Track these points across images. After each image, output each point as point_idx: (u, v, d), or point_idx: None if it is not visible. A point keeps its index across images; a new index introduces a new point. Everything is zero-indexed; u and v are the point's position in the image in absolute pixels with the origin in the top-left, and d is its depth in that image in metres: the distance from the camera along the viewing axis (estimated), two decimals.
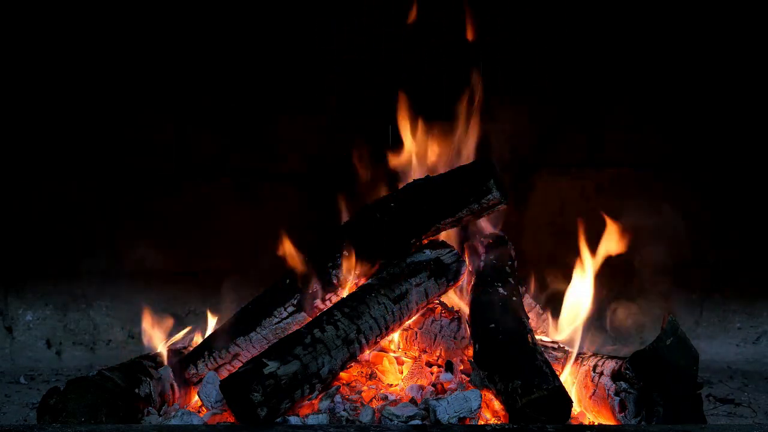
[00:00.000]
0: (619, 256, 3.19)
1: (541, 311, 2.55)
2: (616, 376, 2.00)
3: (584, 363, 2.16)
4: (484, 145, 2.62)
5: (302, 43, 3.14)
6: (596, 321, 3.22)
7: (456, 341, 2.32)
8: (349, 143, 2.74)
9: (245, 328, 2.30)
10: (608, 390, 2.00)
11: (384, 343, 2.34)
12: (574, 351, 2.23)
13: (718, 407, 2.56)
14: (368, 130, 2.77)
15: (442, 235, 2.44)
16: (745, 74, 3.17)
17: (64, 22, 3.09)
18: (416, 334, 2.38)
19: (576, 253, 2.58)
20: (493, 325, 2.12)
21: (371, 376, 2.26)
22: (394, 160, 2.61)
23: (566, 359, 2.22)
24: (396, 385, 2.26)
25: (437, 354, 2.35)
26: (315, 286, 2.32)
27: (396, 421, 1.95)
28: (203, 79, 3.15)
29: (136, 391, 2.07)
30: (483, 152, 2.57)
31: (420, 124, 2.62)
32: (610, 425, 1.99)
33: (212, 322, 2.46)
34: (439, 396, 2.09)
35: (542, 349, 2.11)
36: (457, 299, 2.48)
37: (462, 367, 2.28)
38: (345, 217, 2.52)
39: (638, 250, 3.20)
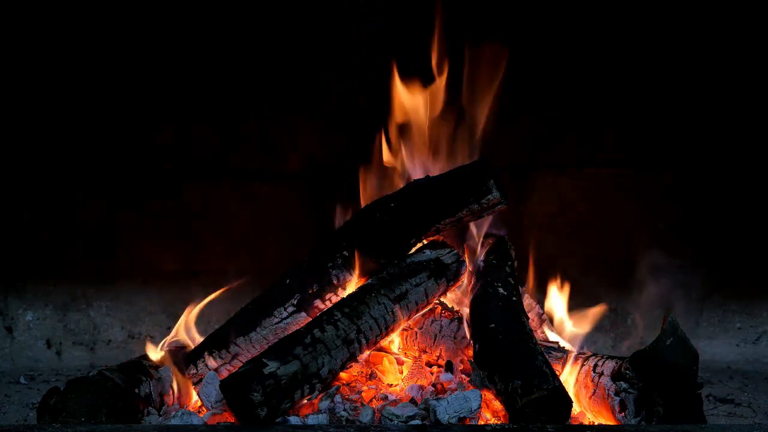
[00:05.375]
0: (619, 256, 3.21)
1: (541, 311, 2.55)
2: (616, 376, 2.00)
3: (584, 363, 2.16)
4: (484, 145, 2.62)
5: (302, 43, 3.14)
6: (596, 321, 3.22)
7: (456, 341, 2.32)
8: (349, 143, 2.75)
9: (245, 328, 2.30)
10: (608, 390, 2.00)
11: (384, 343, 2.34)
12: (574, 351, 2.23)
13: (718, 407, 2.56)
14: (368, 129, 2.76)
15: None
16: (746, 75, 3.17)
17: (64, 24, 3.08)
18: (416, 334, 2.38)
19: (575, 253, 2.60)
20: (493, 325, 2.12)
21: (371, 376, 2.26)
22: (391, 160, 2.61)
23: (566, 359, 2.22)
24: (396, 385, 2.26)
25: (437, 354, 2.35)
26: (315, 286, 2.32)
27: (396, 421, 1.95)
28: (203, 80, 3.15)
29: (136, 391, 2.07)
30: (483, 152, 2.57)
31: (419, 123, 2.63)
32: (610, 425, 1.99)
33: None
34: (439, 396, 2.09)
35: (542, 349, 2.11)
36: (457, 299, 2.48)
37: (462, 367, 2.28)
38: (345, 217, 2.53)
39: (638, 249, 3.21)
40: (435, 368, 2.33)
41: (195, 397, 2.24)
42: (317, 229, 3.11)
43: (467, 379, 2.20)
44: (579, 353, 2.23)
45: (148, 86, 3.14)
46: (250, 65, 3.15)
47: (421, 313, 2.34)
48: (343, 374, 2.19)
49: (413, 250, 2.37)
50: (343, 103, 3.15)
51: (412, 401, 2.07)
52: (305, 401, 2.02)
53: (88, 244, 3.20)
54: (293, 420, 1.95)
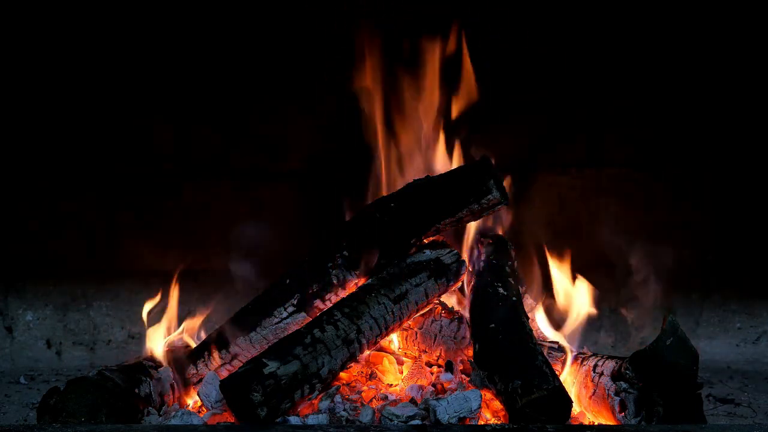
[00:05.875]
0: (619, 255, 3.21)
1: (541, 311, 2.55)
2: (616, 376, 2.00)
3: (584, 363, 2.16)
4: (483, 146, 2.62)
5: (303, 43, 3.14)
6: (596, 321, 3.22)
7: (456, 341, 2.32)
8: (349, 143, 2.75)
9: (245, 328, 2.30)
10: (608, 390, 2.00)
11: (384, 343, 2.34)
12: (574, 351, 2.23)
13: (718, 407, 2.56)
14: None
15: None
16: (746, 74, 3.17)
17: (65, 25, 3.08)
18: (416, 334, 2.38)
19: (576, 254, 2.60)
20: (493, 325, 2.12)
21: (371, 376, 2.26)
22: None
23: (566, 359, 2.22)
24: (396, 385, 2.26)
25: (437, 354, 2.35)
26: (315, 286, 2.32)
27: (396, 421, 1.95)
28: (203, 80, 3.15)
29: (136, 391, 2.07)
30: (483, 152, 2.57)
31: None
32: (610, 425, 1.99)
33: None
34: (439, 396, 2.09)
35: (542, 349, 2.11)
36: (457, 299, 2.48)
37: (462, 367, 2.28)
38: (345, 216, 2.53)
39: (638, 249, 3.21)
40: (435, 368, 2.33)
41: (195, 397, 2.24)
42: (317, 229, 3.11)
43: (467, 379, 2.20)
44: (579, 353, 2.23)
45: (148, 86, 3.14)
46: (251, 65, 3.15)
47: (421, 313, 2.34)
48: (343, 374, 2.19)
49: (413, 250, 2.37)
50: (342, 103, 3.15)
51: (412, 401, 2.07)
52: (305, 401, 2.02)
53: (88, 244, 3.20)
54: (293, 420, 1.95)
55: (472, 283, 2.39)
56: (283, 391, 1.93)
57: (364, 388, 2.18)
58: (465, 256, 2.47)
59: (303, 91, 3.16)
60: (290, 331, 2.18)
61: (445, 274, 2.32)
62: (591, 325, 3.15)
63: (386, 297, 2.19)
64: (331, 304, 2.27)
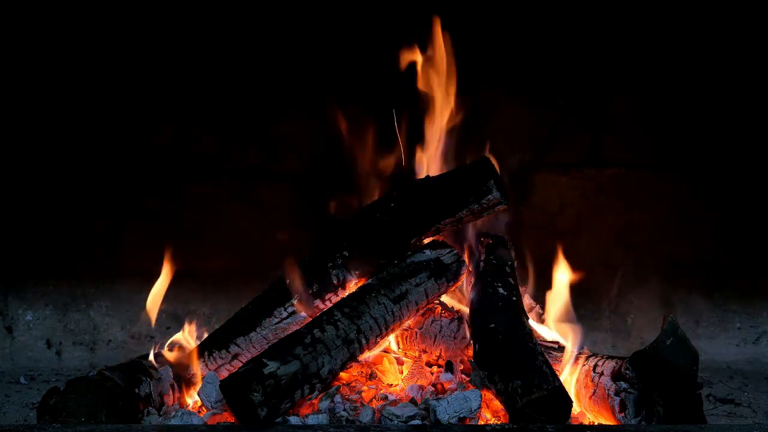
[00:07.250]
0: (619, 256, 3.21)
1: (540, 311, 2.55)
2: (616, 376, 2.01)
3: (584, 363, 2.16)
4: (484, 146, 2.62)
5: (301, 43, 3.14)
6: (596, 321, 3.23)
7: (456, 341, 2.32)
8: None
9: (245, 328, 2.30)
10: (608, 390, 2.00)
11: (384, 343, 2.34)
12: (574, 351, 2.23)
13: (718, 407, 2.56)
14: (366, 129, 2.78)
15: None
16: (745, 74, 3.17)
17: (66, 28, 3.08)
18: (416, 334, 2.38)
19: (575, 253, 2.60)
20: (493, 325, 2.12)
21: (371, 376, 2.26)
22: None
23: (566, 359, 2.22)
24: (396, 385, 2.26)
25: (437, 354, 2.35)
26: (315, 286, 2.32)
27: (396, 421, 1.95)
28: (203, 80, 3.15)
29: (136, 391, 2.07)
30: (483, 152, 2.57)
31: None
32: (610, 425, 1.99)
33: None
34: (439, 396, 2.09)
35: (542, 349, 2.11)
36: (456, 299, 2.48)
37: (462, 367, 2.28)
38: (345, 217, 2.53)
39: (638, 250, 3.22)
40: (435, 368, 2.33)
41: (195, 397, 2.24)
42: (317, 229, 3.11)
43: (467, 379, 2.20)
44: (579, 353, 2.23)
45: (149, 87, 3.13)
46: (250, 66, 3.15)
47: (421, 313, 2.34)
48: (343, 374, 2.19)
49: (413, 250, 2.37)
50: (342, 103, 3.15)
51: (412, 401, 2.07)
52: (305, 401, 2.02)
53: (88, 244, 3.20)
54: (293, 420, 1.95)
55: (472, 283, 2.39)
56: (283, 391, 1.93)
57: (364, 388, 2.18)
58: (465, 256, 2.47)
59: (303, 92, 3.16)
60: (290, 331, 2.18)
61: (445, 274, 2.32)
62: (591, 325, 3.16)
63: (386, 297, 2.19)
64: (331, 304, 2.27)
